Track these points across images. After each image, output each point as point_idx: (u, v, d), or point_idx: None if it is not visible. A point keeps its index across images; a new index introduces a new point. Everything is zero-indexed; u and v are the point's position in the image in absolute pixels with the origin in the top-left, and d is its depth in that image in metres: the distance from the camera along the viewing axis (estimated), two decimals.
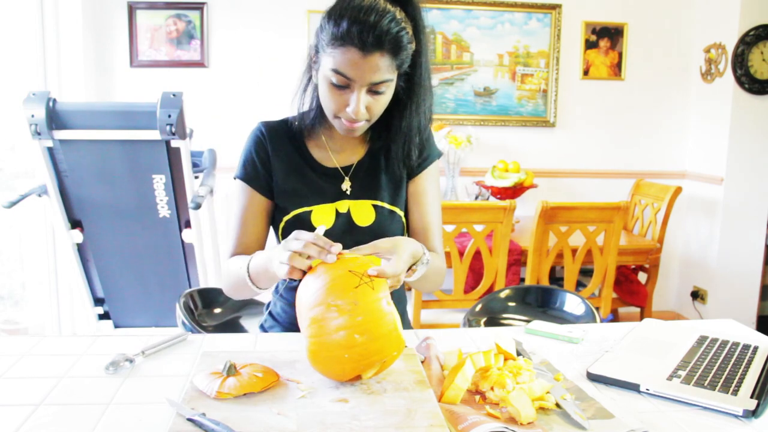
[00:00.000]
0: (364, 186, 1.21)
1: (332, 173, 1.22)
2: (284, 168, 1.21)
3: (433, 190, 1.26)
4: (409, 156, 1.21)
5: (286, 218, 1.19)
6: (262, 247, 1.22)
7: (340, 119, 1.09)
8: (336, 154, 1.23)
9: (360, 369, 0.87)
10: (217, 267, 2.76)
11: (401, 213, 1.24)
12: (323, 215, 1.18)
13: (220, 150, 2.79)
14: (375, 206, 1.20)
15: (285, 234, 1.21)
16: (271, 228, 1.26)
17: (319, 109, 1.16)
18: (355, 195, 1.21)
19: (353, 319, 0.85)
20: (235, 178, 1.23)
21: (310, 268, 0.92)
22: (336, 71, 1.02)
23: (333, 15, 1.01)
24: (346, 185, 1.21)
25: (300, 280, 0.93)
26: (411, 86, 1.13)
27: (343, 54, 1.00)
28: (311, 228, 1.15)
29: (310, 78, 1.16)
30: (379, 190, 1.21)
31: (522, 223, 3.10)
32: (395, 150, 1.20)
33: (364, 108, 1.05)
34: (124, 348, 1.04)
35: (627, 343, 1.11)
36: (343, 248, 1.05)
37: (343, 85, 1.03)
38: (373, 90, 1.04)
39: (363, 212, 1.20)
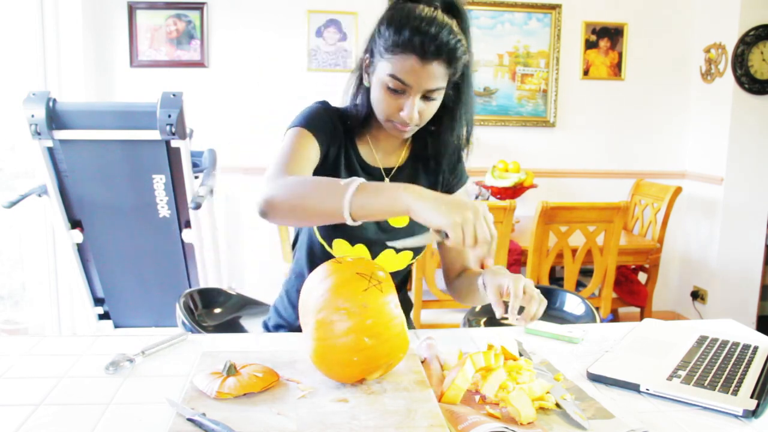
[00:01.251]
0: None
1: (374, 172, 1.24)
2: (336, 149, 1.19)
3: None
4: (460, 169, 1.28)
5: None
6: None
7: (391, 122, 1.13)
8: (380, 154, 1.25)
9: (367, 372, 0.87)
10: (218, 267, 2.76)
11: None
12: None
13: (220, 150, 2.79)
14: None
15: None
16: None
17: (369, 110, 1.18)
18: None
19: (362, 322, 0.85)
20: (290, 128, 1.13)
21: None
22: (394, 76, 1.06)
23: (394, 23, 1.05)
24: None
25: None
26: (459, 95, 1.18)
27: (402, 61, 1.05)
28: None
29: (360, 82, 1.19)
30: None
31: (522, 223, 3.10)
32: (447, 156, 1.25)
33: (417, 113, 1.09)
34: (124, 348, 1.04)
35: (627, 343, 1.11)
36: (374, 244, 1.18)
37: (399, 90, 1.08)
38: (427, 96, 1.09)
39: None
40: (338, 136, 1.20)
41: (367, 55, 1.14)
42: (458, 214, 0.86)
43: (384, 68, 1.07)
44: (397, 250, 1.22)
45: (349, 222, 0.91)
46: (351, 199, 0.89)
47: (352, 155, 1.22)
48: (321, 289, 0.89)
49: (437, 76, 1.06)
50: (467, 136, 1.23)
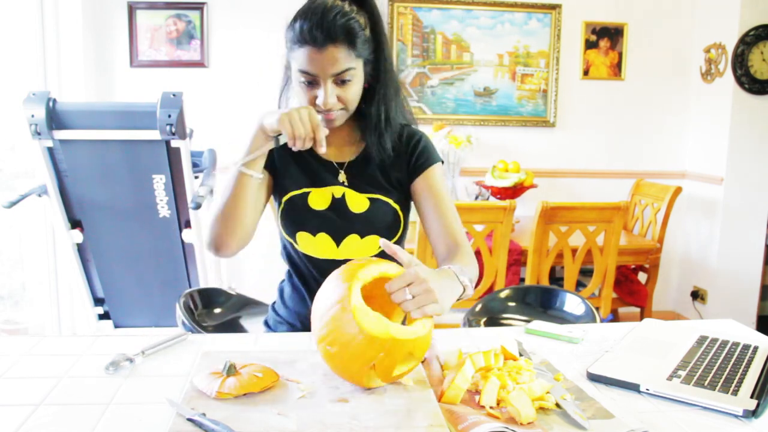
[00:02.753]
0: (358, 181, 1.25)
1: (329, 166, 1.25)
2: (286, 154, 1.24)
3: (441, 188, 1.26)
4: (383, 144, 1.22)
5: (284, 198, 1.24)
6: (256, 217, 1.19)
7: (318, 114, 1.14)
8: (331, 149, 1.26)
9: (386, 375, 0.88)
10: (218, 267, 2.76)
11: (397, 206, 1.26)
12: (320, 197, 1.23)
13: (220, 150, 2.79)
14: (369, 198, 1.24)
15: (284, 215, 1.24)
16: (271, 210, 1.30)
17: None
18: (350, 188, 1.24)
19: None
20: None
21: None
22: (301, 71, 1.10)
23: (291, 20, 1.12)
24: (342, 178, 1.25)
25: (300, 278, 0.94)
26: (377, 74, 1.20)
27: (302, 54, 1.09)
28: (309, 210, 1.21)
29: (287, 82, 1.24)
30: (372, 185, 1.24)
31: (522, 223, 3.10)
32: (369, 136, 1.23)
33: (335, 98, 1.12)
34: (124, 348, 1.04)
35: (627, 343, 1.11)
36: (335, 231, 1.19)
37: (311, 81, 1.11)
38: (339, 80, 1.11)
39: (357, 201, 1.23)
40: (284, 145, 1.19)
41: (286, 57, 1.18)
42: (286, 113, 1.03)
43: (293, 64, 1.12)
44: (361, 236, 1.22)
45: (248, 171, 1.10)
46: (240, 162, 1.09)
47: (304, 154, 1.24)
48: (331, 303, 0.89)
49: (339, 58, 1.08)
50: (389, 108, 1.22)
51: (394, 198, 1.25)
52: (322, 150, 1.08)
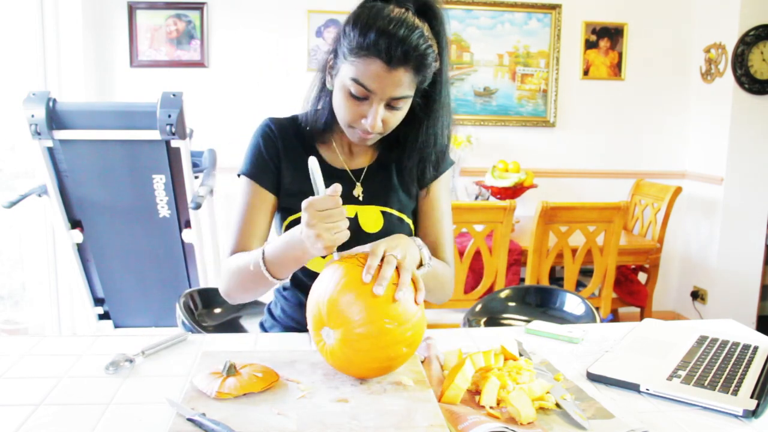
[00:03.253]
0: (372, 191, 1.19)
1: (341, 175, 1.19)
2: (293, 167, 1.18)
3: (444, 200, 1.24)
4: (424, 173, 1.19)
5: (291, 218, 1.18)
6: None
7: (353, 128, 1.07)
8: (346, 157, 1.21)
9: (393, 356, 0.89)
10: (217, 267, 2.76)
11: (410, 221, 1.22)
12: None
13: (220, 150, 2.79)
14: (384, 212, 1.18)
15: (288, 230, 1.18)
16: (273, 228, 1.24)
17: (332, 113, 1.13)
18: (365, 201, 1.19)
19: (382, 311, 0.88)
20: (239, 175, 1.18)
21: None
22: (357, 81, 1.00)
23: (359, 23, 0.99)
24: (357, 191, 1.19)
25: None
26: (428, 103, 1.11)
27: (367, 65, 0.98)
28: None
29: (324, 82, 1.13)
30: (388, 197, 1.19)
31: (522, 223, 3.10)
32: (409, 166, 1.18)
33: (381, 122, 1.03)
34: (124, 348, 1.04)
35: (627, 343, 1.11)
36: (341, 247, 1.06)
37: (362, 96, 1.02)
38: (392, 105, 1.03)
39: (371, 218, 1.18)
40: (291, 151, 1.17)
41: (331, 56, 1.07)
42: (311, 229, 0.90)
43: (347, 72, 1.01)
44: None
45: (276, 283, 1.04)
46: (267, 273, 1.02)
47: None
48: (336, 285, 0.89)
49: (404, 83, 0.99)
50: (443, 141, 1.16)
51: (407, 213, 1.21)
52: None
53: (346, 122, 1.07)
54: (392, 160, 1.21)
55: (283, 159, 1.18)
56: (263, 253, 1.03)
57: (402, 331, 0.88)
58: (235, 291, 1.12)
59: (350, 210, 1.17)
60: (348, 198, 1.17)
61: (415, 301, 0.90)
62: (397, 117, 1.06)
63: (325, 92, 1.14)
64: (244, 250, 1.15)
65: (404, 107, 1.06)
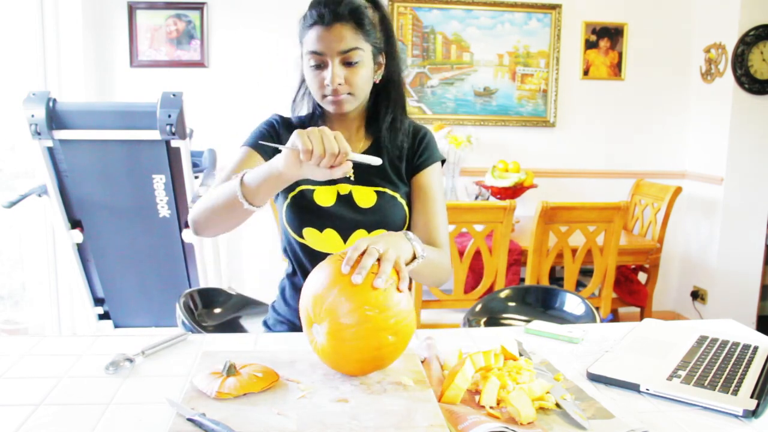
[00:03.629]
0: (365, 175, 1.26)
1: None
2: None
3: (436, 187, 1.29)
4: (397, 143, 1.27)
5: (291, 194, 1.24)
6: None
7: (326, 97, 1.17)
8: None
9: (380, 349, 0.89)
10: (218, 267, 2.76)
11: (403, 201, 1.27)
12: (326, 194, 1.24)
13: (220, 150, 2.79)
14: (377, 191, 1.25)
15: (288, 209, 1.25)
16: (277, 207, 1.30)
17: (316, 104, 1.26)
18: (358, 182, 1.26)
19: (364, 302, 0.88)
20: (241, 146, 1.23)
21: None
22: (310, 52, 1.14)
23: (305, 12, 1.16)
24: (348, 172, 1.22)
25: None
26: (388, 74, 1.24)
27: (311, 35, 1.13)
28: (316, 206, 1.22)
29: (302, 80, 1.25)
30: (379, 178, 1.26)
31: (522, 223, 3.10)
32: (393, 146, 1.27)
33: (342, 78, 1.14)
34: (124, 348, 1.04)
35: (627, 343, 1.11)
36: (342, 227, 1.20)
37: (319, 63, 1.14)
38: (347, 61, 1.14)
39: (365, 196, 1.25)
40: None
41: (300, 49, 1.20)
42: (306, 133, 0.94)
43: (304, 50, 1.16)
44: (369, 231, 1.24)
45: (246, 205, 1.02)
46: (240, 184, 1.02)
47: None
48: (321, 283, 0.91)
49: (345, 36, 1.12)
50: (399, 112, 1.27)
51: (400, 193, 1.27)
52: (339, 173, 0.97)
53: (319, 94, 1.18)
54: (382, 145, 1.28)
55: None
56: (242, 177, 1.04)
57: (384, 317, 0.87)
58: (204, 215, 1.10)
59: (344, 188, 1.25)
60: (342, 179, 1.24)
61: (398, 288, 0.91)
62: (358, 73, 1.16)
63: (304, 87, 1.26)
64: None
65: (361, 62, 1.15)
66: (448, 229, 1.30)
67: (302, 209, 1.24)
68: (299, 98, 1.30)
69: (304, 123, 1.30)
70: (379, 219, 1.24)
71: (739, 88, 3.24)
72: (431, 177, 1.29)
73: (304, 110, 1.30)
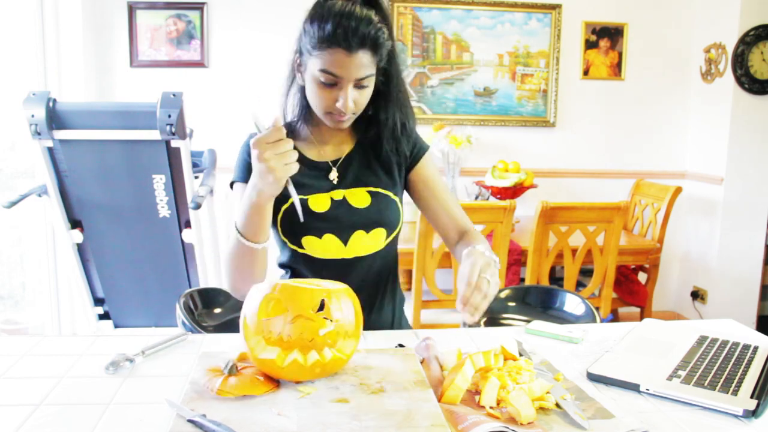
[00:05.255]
0: (356, 176, 1.27)
1: (322, 166, 1.27)
2: None
3: (437, 175, 1.34)
4: (399, 150, 1.30)
5: (284, 207, 1.24)
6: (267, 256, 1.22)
7: (330, 114, 1.17)
8: (324, 147, 1.29)
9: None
10: (217, 267, 2.76)
11: (397, 199, 1.29)
12: (319, 201, 1.24)
13: (220, 150, 2.79)
14: (370, 192, 1.27)
15: (283, 221, 1.25)
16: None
17: (305, 108, 1.25)
18: (347, 185, 1.27)
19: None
20: (233, 183, 1.26)
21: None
22: (325, 71, 1.12)
23: (316, 20, 1.12)
24: (333, 175, 1.27)
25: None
26: (389, 78, 1.24)
27: (330, 55, 1.11)
28: (312, 214, 1.22)
29: (293, 82, 1.25)
30: (371, 178, 1.28)
31: (522, 223, 3.10)
32: (387, 149, 1.28)
33: (353, 102, 1.15)
34: (124, 348, 1.04)
35: (627, 343, 1.11)
36: (341, 231, 1.22)
37: (332, 83, 1.13)
38: (358, 85, 1.15)
39: (358, 197, 1.26)
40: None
41: (297, 55, 1.19)
42: (262, 163, 1.00)
43: (315, 65, 1.13)
44: (367, 231, 1.24)
45: (255, 246, 1.10)
46: (244, 239, 1.09)
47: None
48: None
49: (365, 64, 1.12)
50: (406, 115, 1.29)
51: (394, 191, 1.29)
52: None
53: (322, 110, 1.18)
54: (369, 145, 1.30)
55: None
56: (235, 224, 1.11)
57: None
58: (235, 278, 1.16)
59: (337, 194, 1.26)
60: (330, 186, 1.27)
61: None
62: (364, 95, 1.18)
63: (294, 90, 1.25)
64: None
65: (369, 85, 1.18)
66: (461, 208, 1.35)
67: (298, 218, 1.23)
68: (284, 101, 1.29)
69: (286, 124, 1.29)
70: (376, 218, 1.25)
71: (739, 88, 3.24)
72: (429, 166, 1.33)
73: (290, 109, 1.29)
